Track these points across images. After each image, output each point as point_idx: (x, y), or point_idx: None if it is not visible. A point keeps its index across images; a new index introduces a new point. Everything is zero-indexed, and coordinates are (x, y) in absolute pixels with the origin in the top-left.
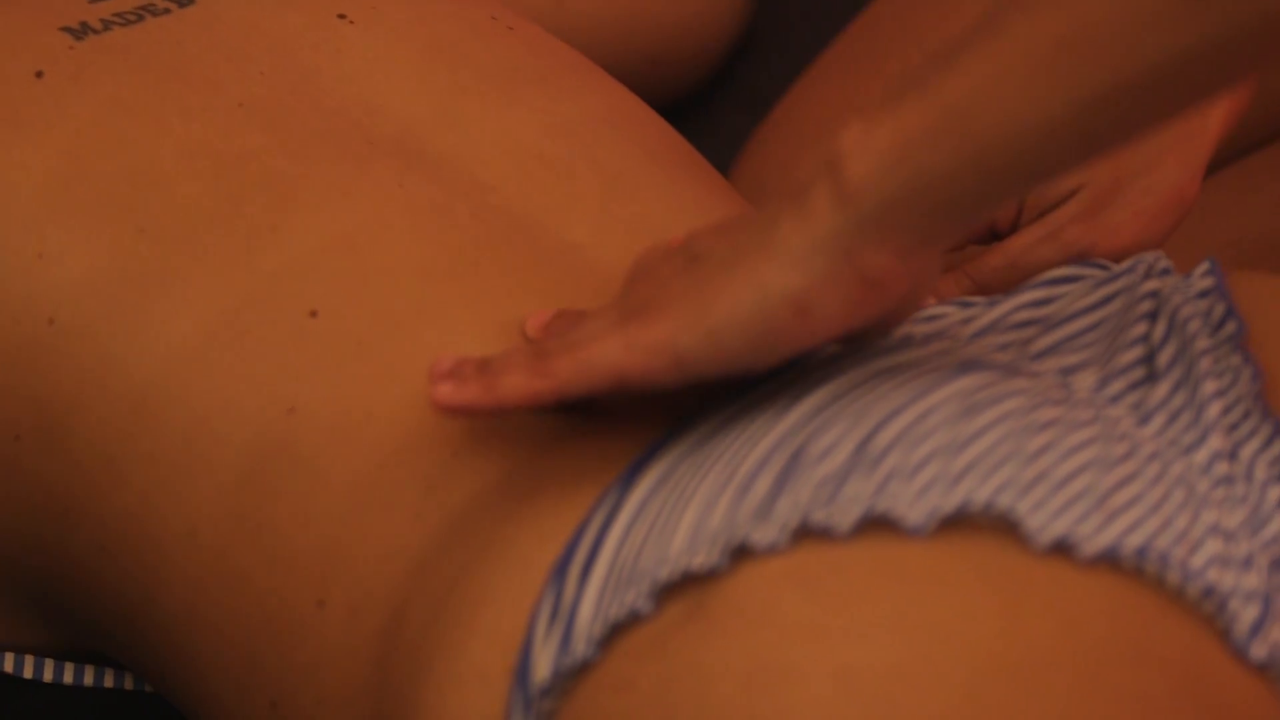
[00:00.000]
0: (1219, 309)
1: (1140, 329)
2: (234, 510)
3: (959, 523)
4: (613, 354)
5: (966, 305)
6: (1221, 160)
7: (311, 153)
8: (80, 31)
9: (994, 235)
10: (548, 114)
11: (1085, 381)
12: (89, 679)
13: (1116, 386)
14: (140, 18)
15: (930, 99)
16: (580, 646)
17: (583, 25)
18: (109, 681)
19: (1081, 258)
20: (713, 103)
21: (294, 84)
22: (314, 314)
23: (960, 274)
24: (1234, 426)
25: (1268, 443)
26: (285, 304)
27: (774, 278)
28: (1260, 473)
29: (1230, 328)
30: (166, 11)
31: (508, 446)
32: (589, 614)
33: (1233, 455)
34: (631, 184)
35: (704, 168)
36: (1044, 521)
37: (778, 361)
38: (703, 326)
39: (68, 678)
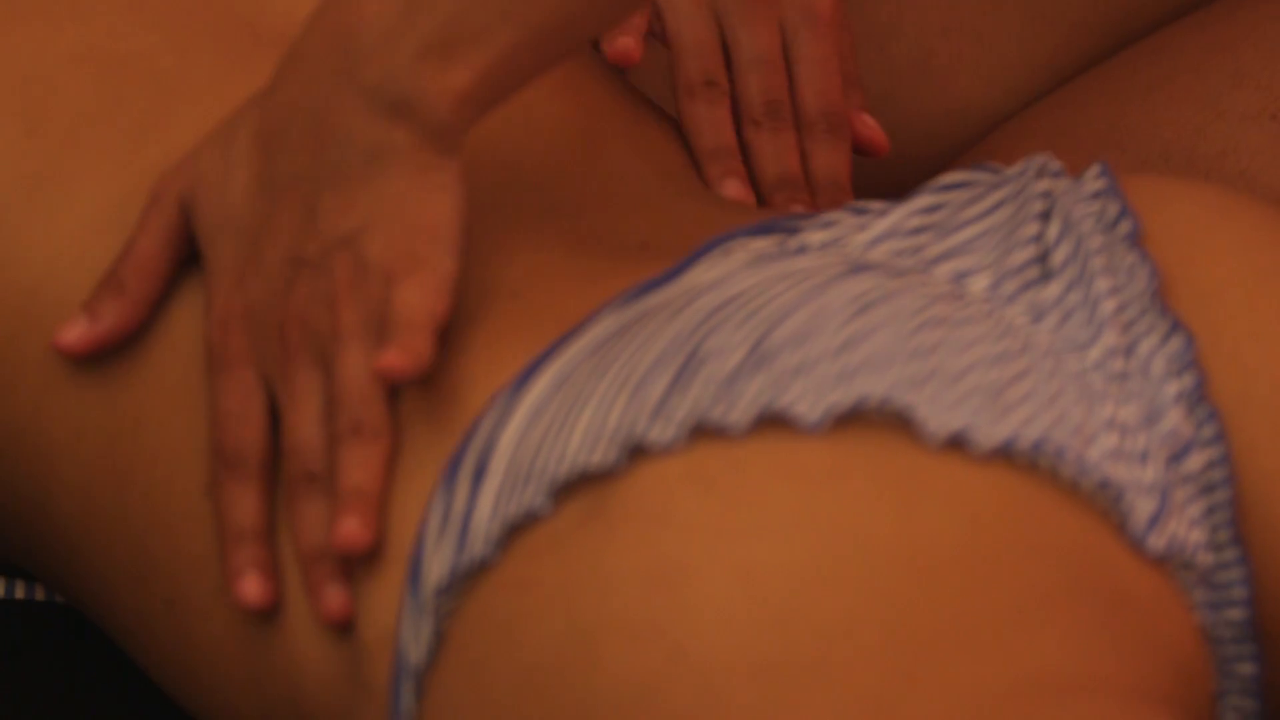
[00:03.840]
0: (1112, 209)
1: (1033, 228)
2: (116, 408)
3: (855, 419)
4: (425, 308)
5: (860, 212)
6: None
7: (198, 49)
8: None
9: None
10: None
11: (979, 284)
12: None
13: (1010, 287)
14: None
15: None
16: (478, 546)
17: None
18: (20, 593)
19: None
20: None
21: None
22: None
23: None
24: (1131, 324)
25: (1165, 339)
26: None
27: (443, 175)
28: (1157, 368)
29: (1125, 226)
30: None
31: None
32: (486, 514)
33: (1130, 352)
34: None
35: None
36: (939, 417)
37: None
38: (448, 244)
39: None
